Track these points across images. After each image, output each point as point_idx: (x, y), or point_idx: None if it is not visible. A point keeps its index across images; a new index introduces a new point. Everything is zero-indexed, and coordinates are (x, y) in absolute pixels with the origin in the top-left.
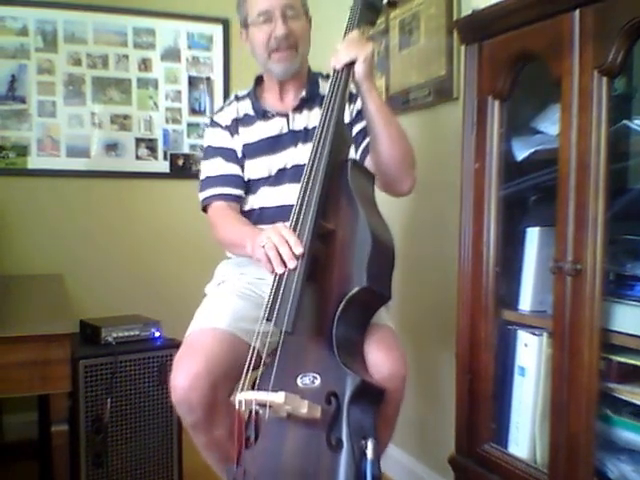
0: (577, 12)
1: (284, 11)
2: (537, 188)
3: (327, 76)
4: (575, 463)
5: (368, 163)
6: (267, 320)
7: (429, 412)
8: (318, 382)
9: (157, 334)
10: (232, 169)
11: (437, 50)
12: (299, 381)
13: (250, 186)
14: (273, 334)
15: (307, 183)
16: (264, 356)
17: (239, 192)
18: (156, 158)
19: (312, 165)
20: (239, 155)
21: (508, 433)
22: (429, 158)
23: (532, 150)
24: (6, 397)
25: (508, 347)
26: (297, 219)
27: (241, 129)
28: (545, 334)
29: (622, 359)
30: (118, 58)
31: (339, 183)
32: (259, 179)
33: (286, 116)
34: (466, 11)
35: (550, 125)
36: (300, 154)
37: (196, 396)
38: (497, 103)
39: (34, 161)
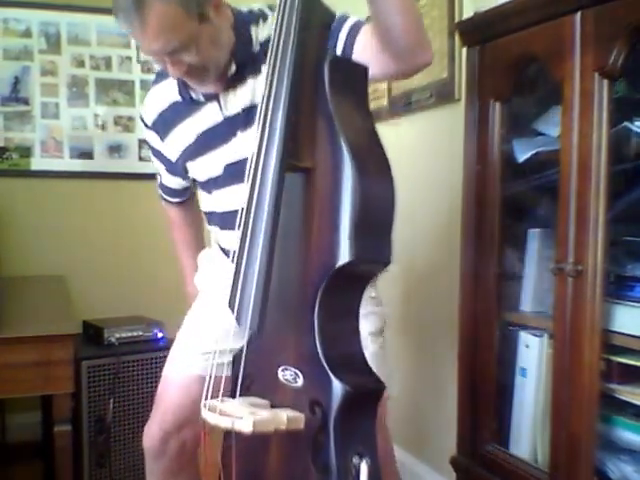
0: (578, 15)
1: (172, 54)
2: (538, 189)
3: (262, 13)
4: (576, 463)
5: (359, 45)
6: (229, 306)
7: (431, 412)
8: (300, 381)
9: (160, 335)
10: (170, 181)
11: (439, 52)
12: (280, 374)
13: (202, 187)
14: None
15: (270, 94)
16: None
17: (183, 198)
18: None
19: (275, 59)
20: (173, 160)
21: (509, 434)
22: (431, 159)
23: (533, 152)
24: (9, 397)
25: (509, 348)
26: (257, 161)
27: (171, 132)
28: (546, 335)
29: (623, 360)
30: (121, 60)
31: (315, 94)
32: (207, 181)
33: (216, 99)
34: (468, 13)
35: (551, 127)
36: (243, 144)
37: (153, 449)
38: (498, 105)
39: (37, 162)
